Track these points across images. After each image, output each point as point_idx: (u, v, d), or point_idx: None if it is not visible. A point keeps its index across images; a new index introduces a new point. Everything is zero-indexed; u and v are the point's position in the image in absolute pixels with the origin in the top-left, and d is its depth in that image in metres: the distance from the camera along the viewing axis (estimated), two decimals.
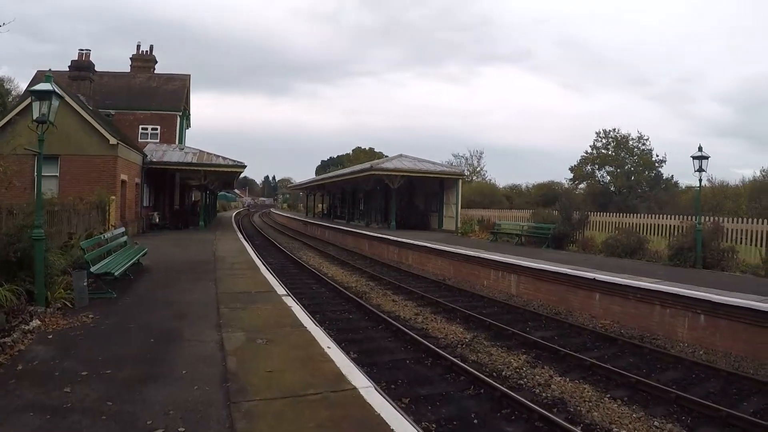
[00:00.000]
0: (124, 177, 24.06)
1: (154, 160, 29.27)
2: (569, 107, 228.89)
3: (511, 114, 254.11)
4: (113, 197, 21.74)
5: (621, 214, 25.05)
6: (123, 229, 15.29)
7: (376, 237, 30.55)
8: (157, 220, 30.35)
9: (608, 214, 25.60)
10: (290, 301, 10.20)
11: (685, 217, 22.16)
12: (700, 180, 19.95)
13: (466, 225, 32.64)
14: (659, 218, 22.85)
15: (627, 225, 23.51)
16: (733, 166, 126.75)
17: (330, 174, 56.03)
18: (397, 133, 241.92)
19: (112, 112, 34.31)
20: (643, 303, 13.49)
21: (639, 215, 24.08)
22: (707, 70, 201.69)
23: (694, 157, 19.00)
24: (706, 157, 18.97)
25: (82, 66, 27.84)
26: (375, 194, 43.16)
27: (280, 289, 11.55)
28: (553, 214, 27.00)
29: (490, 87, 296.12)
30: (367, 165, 34.80)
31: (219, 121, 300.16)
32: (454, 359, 10.11)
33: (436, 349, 10.70)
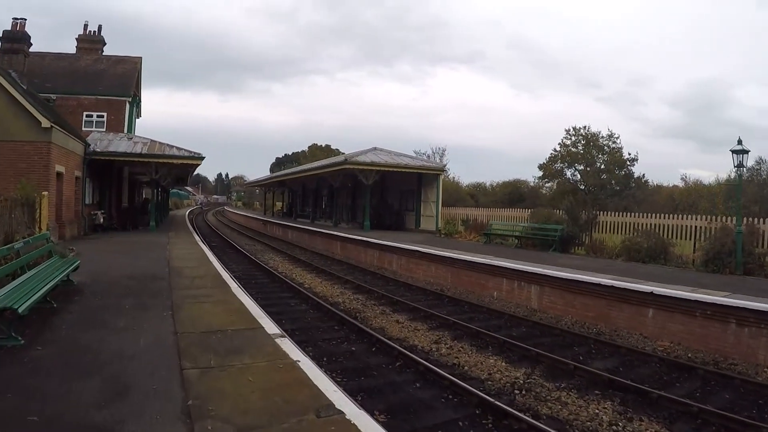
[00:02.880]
0: (60, 168, 20.08)
1: (98, 150, 25.14)
2: (521, 108, 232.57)
3: (463, 114, 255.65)
4: (45, 192, 17.84)
5: (636, 214, 22.30)
6: (47, 234, 11.54)
7: (351, 239, 27.17)
8: (102, 220, 26.08)
9: (620, 213, 22.82)
10: (293, 350, 6.59)
11: (713, 217, 19.65)
12: (740, 176, 17.61)
13: (449, 225, 29.52)
14: (683, 219, 20.20)
15: (643, 226, 20.85)
16: (681, 166, 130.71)
17: (294, 169, 52.07)
18: (350, 132, 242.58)
19: (53, 96, 30.05)
20: (712, 321, 11.21)
21: (658, 215, 21.29)
22: (657, 74, 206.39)
23: (733, 151, 16.79)
24: (746, 151, 16.79)
25: (15, 37, 23.49)
26: (343, 191, 39.76)
27: (269, 324, 7.95)
28: (555, 213, 24.26)
29: (443, 87, 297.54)
30: (340, 158, 31.35)
31: (170, 118, 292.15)
32: (526, 418, 7.20)
33: (493, 401, 7.74)
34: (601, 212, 23.30)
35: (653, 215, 21.53)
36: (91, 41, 37.21)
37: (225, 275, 13.00)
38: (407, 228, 33.93)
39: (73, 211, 22.53)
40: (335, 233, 29.86)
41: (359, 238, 26.30)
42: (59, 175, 20.04)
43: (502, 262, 16.76)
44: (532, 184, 61.84)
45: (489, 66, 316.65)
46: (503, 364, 10.00)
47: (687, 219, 20.09)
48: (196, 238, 25.89)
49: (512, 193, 58.40)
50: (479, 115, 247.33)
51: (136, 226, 29.40)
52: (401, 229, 33.55)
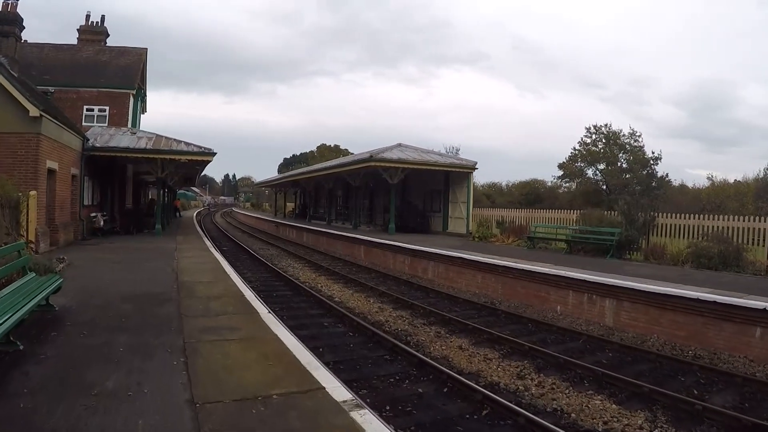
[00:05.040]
0: (52, 165, 17.57)
1: (98, 145, 22.66)
2: (525, 108, 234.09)
3: (467, 114, 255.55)
4: (33, 192, 15.43)
5: (701, 216, 19.71)
6: (21, 244, 8.96)
7: (378, 243, 24.66)
8: (102, 223, 23.44)
9: (681, 215, 20.21)
10: None
11: None
12: None
13: (482, 227, 26.96)
14: (757, 221, 17.63)
15: (709, 228, 18.43)
16: (687, 167, 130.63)
17: (310, 168, 49.44)
18: (356, 133, 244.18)
19: (52, 89, 27.49)
20: None
21: (727, 217, 18.74)
22: (661, 74, 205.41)
23: None
24: None
25: (5, 19, 20.97)
26: (361, 191, 37.20)
27: (331, 381, 5.27)
28: (607, 214, 21.80)
29: (448, 88, 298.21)
30: (364, 155, 28.66)
31: (175, 119, 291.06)
32: None
33: None
34: (660, 214, 20.70)
35: (721, 217, 19.00)
36: (93, 32, 34.71)
37: (248, 293, 10.43)
38: (433, 231, 31.33)
39: (68, 213, 20.01)
40: (358, 237, 27.36)
41: (387, 242, 23.78)
42: (51, 172, 17.51)
43: (568, 272, 14.32)
44: (549, 184, 60.40)
45: (493, 67, 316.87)
46: (613, 406, 7.84)
47: (762, 221, 17.51)
48: (207, 242, 23.41)
49: (529, 194, 56.84)
50: (483, 115, 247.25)
51: (140, 229, 26.92)
52: (426, 232, 30.96)
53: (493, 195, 58.78)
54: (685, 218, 19.81)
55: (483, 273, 17.32)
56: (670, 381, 9.13)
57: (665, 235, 20.00)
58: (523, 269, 15.62)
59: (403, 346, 10.27)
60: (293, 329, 10.19)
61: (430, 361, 9.33)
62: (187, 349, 6.28)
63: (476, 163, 29.18)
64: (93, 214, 23.39)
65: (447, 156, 31.59)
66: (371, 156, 26.97)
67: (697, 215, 20.00)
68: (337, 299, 15.52)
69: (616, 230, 19.39)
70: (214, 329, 7.36)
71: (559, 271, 14.50)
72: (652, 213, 20.55)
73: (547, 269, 14.91)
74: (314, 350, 9.11)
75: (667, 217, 20.30)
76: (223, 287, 11.11)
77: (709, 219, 19.15)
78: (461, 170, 29.26)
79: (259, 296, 12.03)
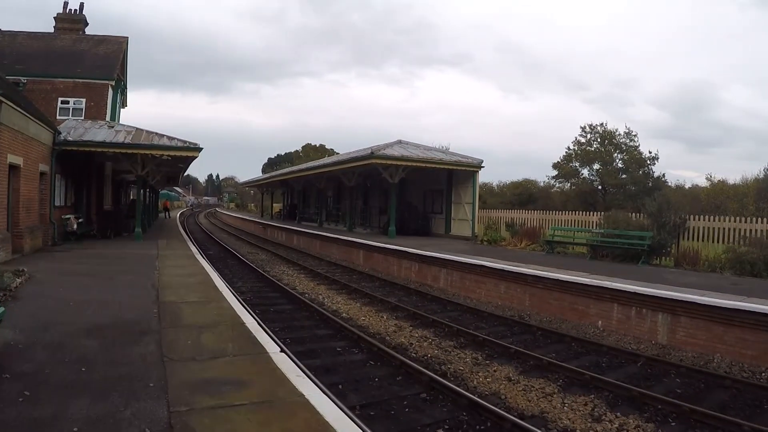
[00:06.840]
0: (16, 160, 15.28)
1: (71, 139, 20.34)
2: (509, 109, 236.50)
3: (450, 114, 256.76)
4: None
5: (737, 219, 17.95)
6: None
7: (379, 247, 22.63)
8: (75, 226, 20.98)
9: (716, 218, 18.47)
10: None
11: None
12: None
13: (491, 230, 25.04)
14: None
15: (746, 232, 16.98)
16: (671, 167, 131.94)
17: (302, 166, 47.04)
18: (340, 133, 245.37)
19: (24, 79, 25.24)
20: None
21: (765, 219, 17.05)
22: (644, 76, 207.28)
23: None
24: None
25: None
26: (355, 191, 35.15)
27: None
28: (631, 216, 20.05)
29: (431, 88, 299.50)
30: (365, 152, 26.38)
31: (158, 119, 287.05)
32: None
33: None
34: (691, 216, 18.88)
35: (761, 220, 17.24)
36: (71, 20, 32.32)
37: (248, 320, 8.18)
38: (435, 233, 29.34)
39: (36, 215, 17.70)
40: (355, 240, 25.31)
41: (390, 246, 21.76)
42: (14, 168, 15.22)
43: (612, 283, 12.49)
44: (542, 184, 59.59)
45: (477, 68, 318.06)
46: None
47: None
48: (192, 248, 21.23)
49: (522, 194, 55.66)
50: (468, 116, 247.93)
51: (119, 232, 24.65)
52: (428, 234, 29.00)
53: (484, 195, 57.47)
54: (720, 221, 18.08)
55: (507, 282, 15.44)
56: (759, 413, 7.83)
57: (695, 239, 18.30)
58: (557, 279, 13.73)
59: (441, 380, 8.31)
60: (300, 357, 8.29)
61: (483, 402, 7.38)
62: (174, 428, 4.14)
63: (482, 161, 27.22)
64: (66, 216, 21.09)
65: (450, 153, 29.50)
66: (372, 152, 24.83)
67: (734, 218, 18.24)
68: (344, 315, 13.52)
69: (648, 234, 17.61)
70: (212, 385, 5.17)
71: (603, 282, 12.65)
72: (683, 215, 18.75)
73: (588, 280, 13.06)
74: (331, 388, 7.20)
75: (699, 220, 18.54)
76: (215, 310, 8.92)
77: (746, 222, 17.43)
78: (466, 169, 27.24)
79: (256, 313, 10.13)
